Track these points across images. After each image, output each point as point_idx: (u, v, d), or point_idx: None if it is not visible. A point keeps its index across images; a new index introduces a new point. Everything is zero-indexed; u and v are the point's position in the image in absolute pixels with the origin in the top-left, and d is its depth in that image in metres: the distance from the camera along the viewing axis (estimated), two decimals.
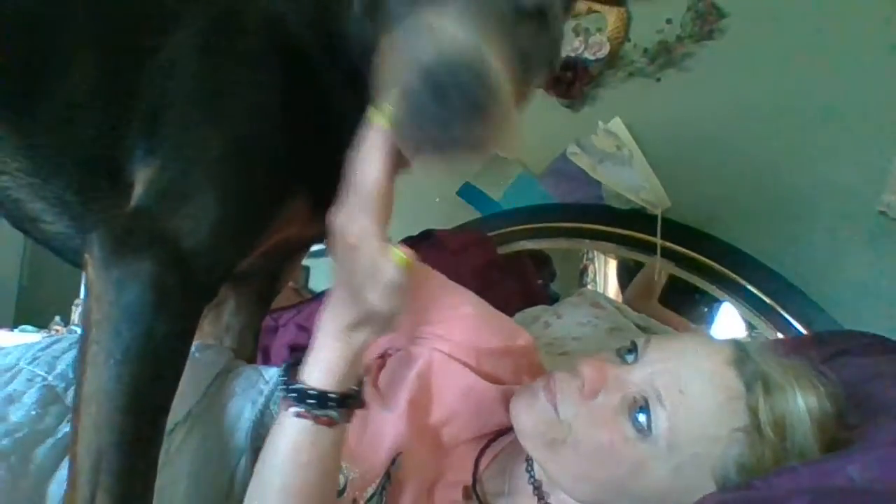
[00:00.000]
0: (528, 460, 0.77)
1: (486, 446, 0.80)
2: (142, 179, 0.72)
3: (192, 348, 0.90)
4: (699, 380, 0.66)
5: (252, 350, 1.07)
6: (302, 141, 0.76)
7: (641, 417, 0.66)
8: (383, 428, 0.80)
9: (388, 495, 0.74)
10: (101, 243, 0.65)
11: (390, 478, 0.76)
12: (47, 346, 0.81)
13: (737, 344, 0.71)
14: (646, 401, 0.66)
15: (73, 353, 0.79)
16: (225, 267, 0.73)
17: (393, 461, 0.77)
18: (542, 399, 0.71)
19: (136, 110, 0.74)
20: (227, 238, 0.71)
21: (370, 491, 0.75)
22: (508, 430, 0.81)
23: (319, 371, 0.66)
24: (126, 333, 0.62)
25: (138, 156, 0.73)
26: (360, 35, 0.73)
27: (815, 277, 1.63)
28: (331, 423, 0.65)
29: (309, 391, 0.65)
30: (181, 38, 0.75)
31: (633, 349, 0.72)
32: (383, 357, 0.95)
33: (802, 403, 0.65)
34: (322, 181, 0.78)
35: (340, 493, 0.75)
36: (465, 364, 0.87)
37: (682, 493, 0.65)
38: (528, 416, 0.73)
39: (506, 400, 0.82)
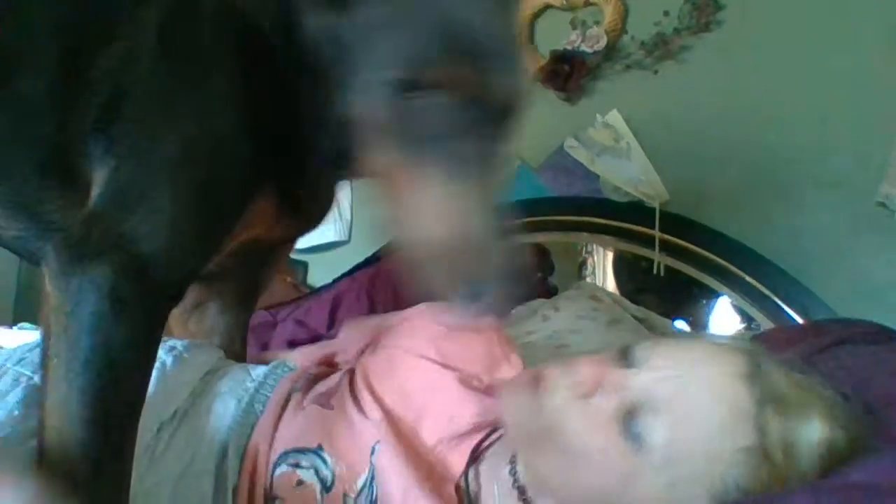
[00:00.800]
0: (512, 462, 0.74)
1: (478, 445, 0.78)
2: (98, 180, 0.69)
3: (181, 347, 0.90)
4: (705, 392, 0.61)
5: (241, 349, 1.06)
6: (263, 140, 0.73)
7: (638, 426, 0.61)
8: (363, 427, 0.79)
9: (378, 485, 0.73)
10: (56, 252, 0.63)
11: (376, 469, 0.75)
12: (35, 347, 0.79)
13: (751, 356, 0.65)
14: (644, 408, 0.61)
15: None
16: (186, 271, 0.71)
17: (372, 451, 0.76)
18: (528, 391, 0.68)
19: (91, 107, 0.71)
20: (187, 241, 0.69)
21: (360, 482, 0.74)
22: (493, 429, 0.80)
23: None
24: (84, 345, 0.60)
25: (96, 155, 0.70)
26: (319, 30, 0.69)
27: (814, 269, 1.62)
28: None
29: None
30: (137, 30, 0.71)
31: (632, 353, 0.66)
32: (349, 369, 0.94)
33: (816, 434, 0.60)
34: (285, 180, 0.78)
35: (329, 488, 0.74)
36: (425, 357, 0.85)
37: None
38: (513, 409, 0.70)
39: (481, 387, 0.82)
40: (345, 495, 0.73)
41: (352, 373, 0.90)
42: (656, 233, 1.76)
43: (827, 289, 1.59)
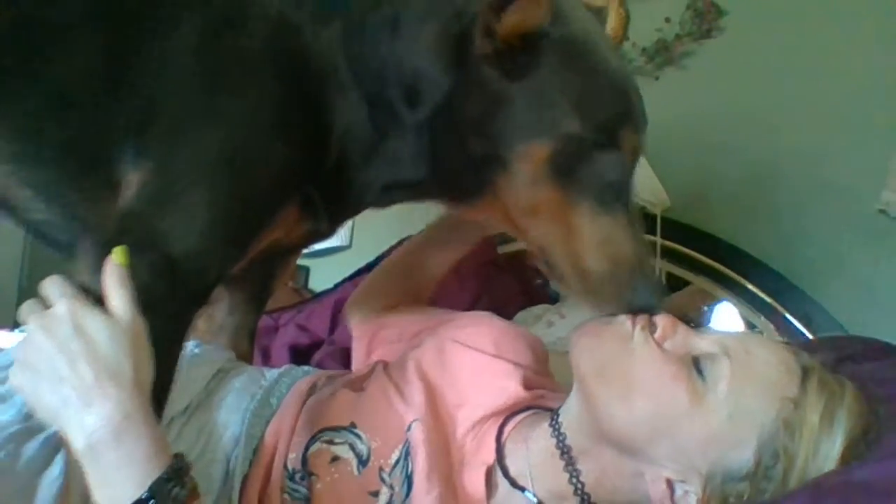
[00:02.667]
0: (553, 417, 0.77)
1: (505, 422, 0.80)
2: (133, 181, 0.71)
3: (192, 345, 0.91)
4: (762, 348, 0.70)
5: (248, 350, 1.07)
6: (296, 148, 0.76)
7: (707, 366, 0.69)
8: (400, 407, 0.82)
9: (412, 460, 0.75)
10: (93, 248, 0.65)
11: (408, 442, 0.77)
12: None
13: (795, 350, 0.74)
14: (713, 355, 0.69)
15: None
16: (216, 272, 0.73)
17: (408, 427, 0.78)
18: (604, 327, 0.74)
19: (125, 107, 0.72)
20: (219, 243, 0.71)
21: (394, 457, 0.76)
22: (526, 407, 0.83)
23: (128, 481, 0.57)
24: None
25: (128, 155, 0.72)
26: (414, 69, 0.74)
27: (815, 276, 1.62)
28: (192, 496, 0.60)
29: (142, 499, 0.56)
30: (177, 38, 0.73)
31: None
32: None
33: (848, 413, 0.65)
34: (312, 185, 0.80)
35: (365, 462, 0.76)
36: (480, 350, 0.88)
37: (726, 444, 0.66)
38: (587, 340, 0.75)
39: (516, 375, 0.86)
40: (380, 469, 0.76)
41: (385, 363, 0.93)
42: (657, 239, 1.76)
43: (828, 296, 1.60)
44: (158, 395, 0.65)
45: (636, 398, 0.69)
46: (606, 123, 0.72)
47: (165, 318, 0.65)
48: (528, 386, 0.85)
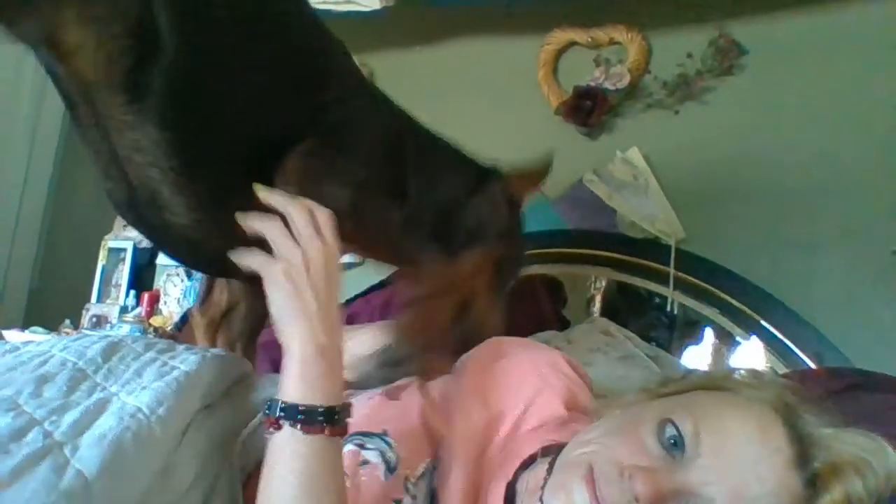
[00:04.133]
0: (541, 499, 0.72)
1: (515, 478, 0.78)
2: None
3: (217, 351, 0.92)
4: (763, 493, 0.64)
5: (253, 356, 1.10)
6: None
7: None
8: (434, 420, 0.84)
9: (438, 475, 0.77)
10: None
11: (439, 458, 0.79)
12: (76, 340, 0.86)
13: (789, 413, 0.69)
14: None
15: (100, 346, 0.83)
16: None
17: (442, 445, 0.80)
18: (583, 493, 0.66)
19: None
20: None
21: (420, 469, 0.78)
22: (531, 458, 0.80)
23: (310, 388, 0.71)
24: None
25: None
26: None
27: (827, 314, 1.63)
28: (342, 431, 0.71)
29: (317, 406, 0.69)
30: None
31: (678, 442, 0.66)
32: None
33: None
34: None
35: (393, 469, 0.78)
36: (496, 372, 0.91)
37: None
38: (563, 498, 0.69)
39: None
40: (406, 479, 0.77)
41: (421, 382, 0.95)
42: (671, 270, 1.77)
43: (839, 335, 1.60)
44: None
45: None
46: None
47: None
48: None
